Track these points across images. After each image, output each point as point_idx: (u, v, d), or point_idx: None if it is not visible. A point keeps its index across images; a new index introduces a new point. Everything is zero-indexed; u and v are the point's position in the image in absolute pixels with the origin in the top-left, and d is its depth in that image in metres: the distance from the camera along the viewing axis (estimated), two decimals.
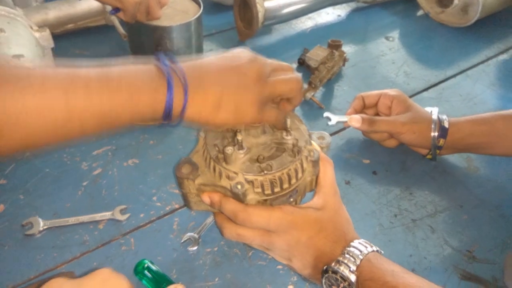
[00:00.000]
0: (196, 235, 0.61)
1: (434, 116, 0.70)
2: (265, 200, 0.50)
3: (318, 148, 0.55)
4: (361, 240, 0.49)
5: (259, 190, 0.49)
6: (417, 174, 0.73)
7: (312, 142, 0.55)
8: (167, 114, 0.45)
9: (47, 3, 0.92)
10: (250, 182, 0.49)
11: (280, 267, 0.59)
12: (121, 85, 0.43)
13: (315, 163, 0.52)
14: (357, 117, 0.71)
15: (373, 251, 0.48)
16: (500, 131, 0.69)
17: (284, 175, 0.50)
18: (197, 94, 0.46)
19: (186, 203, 0.55)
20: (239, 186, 0.48)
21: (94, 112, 0.42)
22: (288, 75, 0.52)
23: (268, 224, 0.49)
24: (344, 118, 0.73)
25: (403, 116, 0.71)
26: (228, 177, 0.50)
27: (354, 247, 0.48)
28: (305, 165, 0.52)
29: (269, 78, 0.50)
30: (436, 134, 0.69)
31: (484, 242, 0.64)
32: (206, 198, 0.52)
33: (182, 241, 0.61)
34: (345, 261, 0.47)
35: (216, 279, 0.57)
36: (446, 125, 0.69)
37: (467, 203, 0.69)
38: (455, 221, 0.66)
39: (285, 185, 0.50)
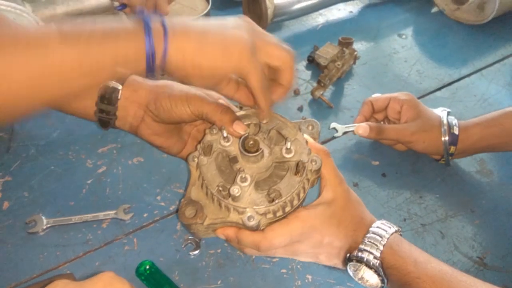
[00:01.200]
0: (197, 239, 0.60)
1: (444, 121, 0.68)
2: (276, 220, 0.49)
3: (312, 140, 0.53)
4: (379, 223, 0.50)
5: (271, 216, 0.48)
6: (427, 177, 0.71)
7: (305, 136, 0.52)
8: (150, 59, 0.43)
9: None
10: (263, 214, 0.48)
11: (284, 271, 0.58)
12: (95, 33, 0.42)
13: (318, 170, 0.51)
14: (364, 125, 0.69)
15: (392, 233, 0.49)
16: (511, 130, 0.67)
17: (293, 196, 0.48)
18: (179, 34, 0.44)
19: (194, 236, 0.54)
20: (252, 220, 0.47)
21: (71, 63, 0.41)
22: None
23: (291, 239, 0.49)
24: (350, 128, 0.72)
25: (412, 124, 0.68)
26: (237, 211, 0.48)
27: (374, 232, 0.49)
28: (309, 175, 0.50)
29: (261, 37, 0.48)
30: (446, 139, 0.67)
31: (496, 249, 0.62)
32: (221, 235, 0.50)
33: (183, 245, 0.60)
34: (368, 248, 0.47)
35: (219, 282, 0.57)
36: (456, 131, 0.67)
37: (479, 208, 0.67)
38: (466, 227, 0.64)
39: (295, 202, 0.49)
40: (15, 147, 0.72)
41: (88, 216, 0.62)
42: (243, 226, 0.48)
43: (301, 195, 0.49)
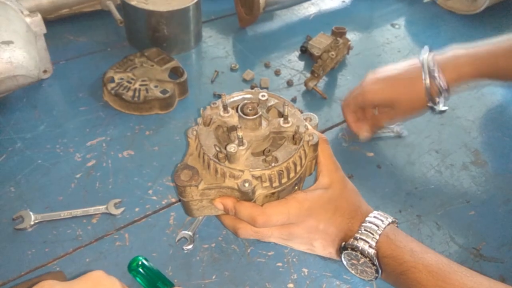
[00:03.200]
0: (190, 233, 0.59)
1: (423, 62, 0.65)
2: (273, 193, 0.49)
3: (310, 127, 0.53)
4: (375, 213, 0.50)
5: (267, 184, 0.48)
6: (422, 168, 0.71)
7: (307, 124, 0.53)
8: None
9: None
10: (258, 178, 0.47)
11: (279, 264, 0.57)
12: None
13: (315, 146, 0.52)
14: (365, 130, 0.71)
15: (389, 223, 0.48)
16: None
17: (290, 164, 0.49)
18: None
19: (188, 211, 0.52)
20: (246, 184, 0.46)
21: None
22: None
23: (289, 219, 0.48)
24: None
25: (388, 84, 0.67)
26: (233, 176, 0.47)
27: (370, 222, 0.48)
28: (306, 149, 0.51)
29: None
30: (427, 80, 0.64)
31: (491, 239, 0.61)
32: (219, 205, 0.50)
33: (176, 240, 0.58)
34: (364, 237, 0.47)
35: (214, 277, 0.55)
36: (436, 73, 0.63)
37: (474, 199, 0.67)
38: (461, 217, 0.64)
39: (292, 174, 0.49)
40: (0, 141, 0.69)
41: (78, 211, 0.60)
42: (238, 193, 0.47)
43: (298, 168, 0.49)
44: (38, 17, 0.73)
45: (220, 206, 0.49)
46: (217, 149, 0.48)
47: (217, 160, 0.47)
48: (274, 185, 0.48)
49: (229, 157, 0.47)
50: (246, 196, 0.47)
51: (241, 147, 0.48)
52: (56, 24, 0.90)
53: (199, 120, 0.52)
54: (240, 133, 0.47)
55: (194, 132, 0.51)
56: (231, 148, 0.46)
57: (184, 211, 0.53)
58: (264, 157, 0.48)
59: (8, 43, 0.64)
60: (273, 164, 0.47)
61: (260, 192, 0.48)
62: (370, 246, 0.47)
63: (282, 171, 0.48)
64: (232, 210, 0.49)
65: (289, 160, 0.48)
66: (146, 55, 0.81)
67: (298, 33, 0.97)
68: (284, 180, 0.48)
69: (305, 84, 0.82)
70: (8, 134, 0.70)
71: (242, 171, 0.47)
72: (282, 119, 0.51)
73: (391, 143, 0.74)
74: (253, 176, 0.47)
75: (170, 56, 0.81)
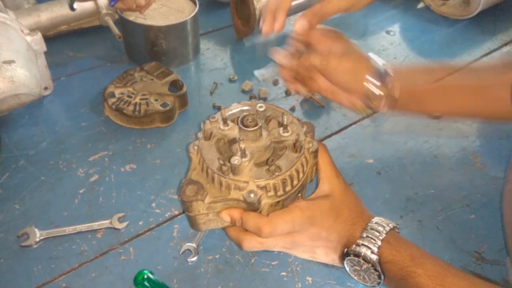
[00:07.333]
0: (194, 245, 0.59)
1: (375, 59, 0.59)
2: (278, 202, 0.49)
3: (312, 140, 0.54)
4: (377, 219, 0.50)
5: (272, 193, 0.49)
6: (422, 173, 0.71)
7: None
8: None
9: (39, 5, 0.89)
10: (263, 188, 0.48)
11: (284, 273, 0.58)
12: None
13: (316, 153, 0.52)
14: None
15: (390, 229, 0.49)
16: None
17: (293, 172, 0.49)
18: None
19: (194, 226, 0.53)
20: (252, 195, 0.47)
21: None
22: None
23: (294, 227, 0.49)
24: (270, 70, 0.64)
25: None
26: (238, 188, 0.48)
27: (372, 228, 0.49)
28: (306, 155, 0.52)
29: None
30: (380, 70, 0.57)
31: (492, 242, 0.62)
32: (226, 217, 0.50)
33: (180, 252, 0.59)
34: (366, 243, 0.48)
35: None
36: (390, 72, 0.57)
37: (474, 202, 0.67)
38: (462, 221, 0.65)
39: (295, 182, 0.50)
40: (4, 158, 0.70)
41: (82, 227, 0.61)
42: (244, 204, 0.48)
43: (301, 175, 0.50)
44: (38, 36, 0.74)
45: (226, 218, 0.50)
46: (221, 162, 0.48)
47: (221, 173, 0.48)
48: (278, 193, 0.49)
49: (233, 170, 0.48)
50: (252, 207, 0.48)
51: (244, 159, 0.48)
52: (55, 41, 0.91)
53: (200, 134, 0.53)
54: (242, 145, 0.48)
55: (195, 147, 0.52)
56: (235, 160, 0.47)
57: (190, 226, 0.53)
58: (267, 167, 0.48)
59: (9, 62, 0.65)
60: (276, 173, 0.48)
61: (265, 201, 0.49)
62: (372, 252, 0.47)
63: (286, 179, 0.49)
64: (239, 221, 0.49)
65: (292, 168, 0.49)
66: (145, 69, 0.82)
67: None
68: (288, 188, 0.49)
69: None
70: (11, 152, 0.71)
71: (247, 182, 0.48)
72: (281, 128, 0.52)
73: (391, 148, 0.75)
74: (258, 186, 0.48)
75: (169, 70, 0.82)
